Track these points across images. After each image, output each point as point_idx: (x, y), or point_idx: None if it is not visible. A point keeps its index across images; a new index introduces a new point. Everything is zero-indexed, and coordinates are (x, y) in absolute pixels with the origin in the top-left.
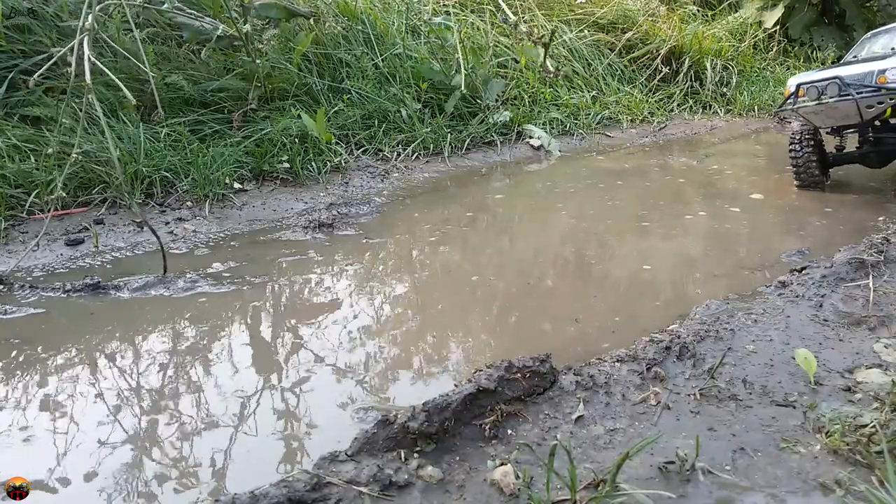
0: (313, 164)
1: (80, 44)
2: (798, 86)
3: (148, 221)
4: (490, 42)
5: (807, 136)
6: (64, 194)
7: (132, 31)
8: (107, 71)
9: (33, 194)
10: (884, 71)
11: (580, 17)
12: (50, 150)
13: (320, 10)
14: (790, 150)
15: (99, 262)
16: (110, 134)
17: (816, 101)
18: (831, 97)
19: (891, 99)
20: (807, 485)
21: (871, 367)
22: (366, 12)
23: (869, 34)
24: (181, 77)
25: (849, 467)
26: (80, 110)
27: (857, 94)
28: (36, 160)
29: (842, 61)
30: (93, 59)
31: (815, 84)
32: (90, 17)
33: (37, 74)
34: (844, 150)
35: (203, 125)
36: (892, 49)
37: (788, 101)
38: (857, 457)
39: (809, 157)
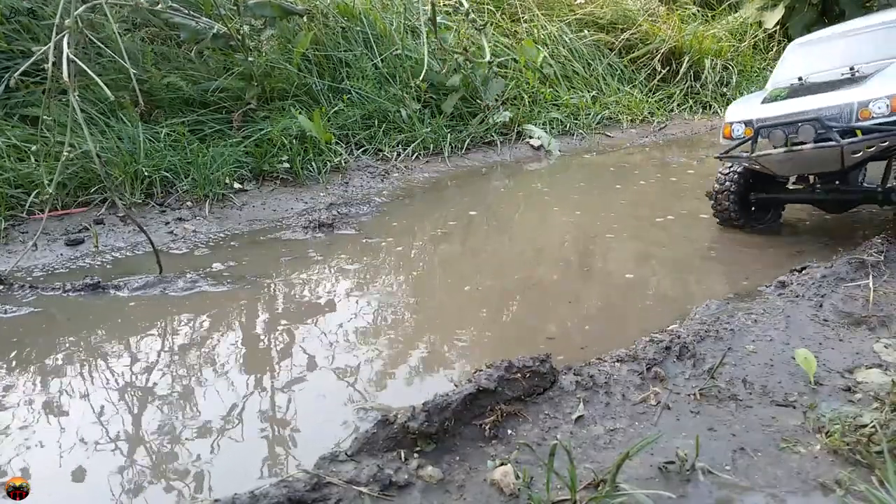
0: (313, 164)
1: (61, 43)
2: (757, 130)
3: (133, 216)
4: (489, 42)
5: (735, 177)
6: (51, 191)
7: (128, 30)
8: (85, 68)
9: (33, 194)
10: (866, 104)
11: (580, 17)
12: (34, 148)
13: (319, 9)
14: (714, 193)
15: (99, 262)
16: (87, 130)
17: (786, 149)
18: (806, 143)
19: (883, 142)
20: (807, 485)
21: (871, 367)
22: (365, 12)
23: (795, 44)
24: (180, 77)
25: (849, 467)
26: (82, 110)
27: (844, 138)
28: (36, 160)
29: (776, 80)
30: (72, 56)
31: (781, 126)
32: (71, 16)
33: (16, 73)
34: (788, 189)
35: (203, 125)
36: (852, 69)
37: (740, 145)
38: (857, 457)
39: (733, 199)
